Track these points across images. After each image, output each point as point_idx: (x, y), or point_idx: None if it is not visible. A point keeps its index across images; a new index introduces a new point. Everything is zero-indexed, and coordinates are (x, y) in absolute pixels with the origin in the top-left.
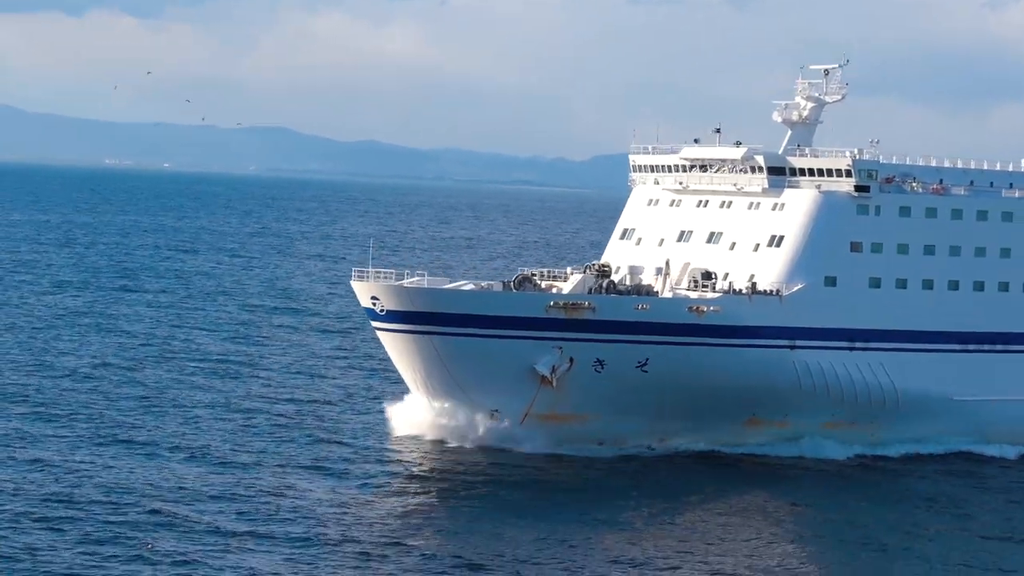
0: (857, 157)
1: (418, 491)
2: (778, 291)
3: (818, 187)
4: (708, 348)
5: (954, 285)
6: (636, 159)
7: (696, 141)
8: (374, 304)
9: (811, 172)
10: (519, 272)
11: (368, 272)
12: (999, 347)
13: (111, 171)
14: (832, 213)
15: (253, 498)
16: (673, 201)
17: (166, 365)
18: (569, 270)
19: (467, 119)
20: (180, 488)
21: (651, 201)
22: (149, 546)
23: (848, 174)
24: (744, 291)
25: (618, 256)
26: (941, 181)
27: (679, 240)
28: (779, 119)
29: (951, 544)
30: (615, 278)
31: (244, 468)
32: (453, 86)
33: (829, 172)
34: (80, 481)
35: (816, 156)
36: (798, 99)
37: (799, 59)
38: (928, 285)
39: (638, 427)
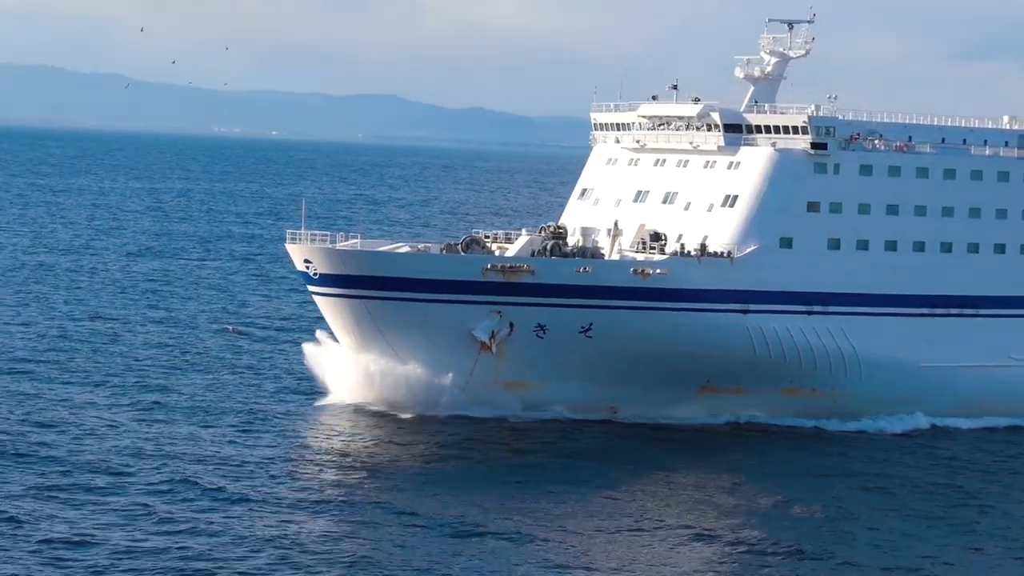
0: (813, 113)
1: (411, 457)
2: (729, 253)
3: (773, 145)
4: (655, 312)
5: (920, 246)
6: (596, 117)
7: (654, 98)
8: (307, 267)
9: (767, 129)
10: (468, 234)
11: (301, 234)
12: (969, 311)
13: (219, 139)
14: (787, 172)
15: (257, 463)
16: (631, 160)
17: (220, 332)
18: (524, 232)
19: (575, 86)
20: (184, 452)
21: (610, 160)
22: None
23: (804, 131)
24: (693, 253)
25: (576, 217)
26: (910, 138)
27: (635, 200)
28: (741, 75)
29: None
30: (571, 240)
31: (256, 433)
32: (561, 53)
33: (785, 129)
34: (90, 444)
35: (773, 112)
36: (761, 54)
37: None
38: (892, 246)
39: (586, 395)
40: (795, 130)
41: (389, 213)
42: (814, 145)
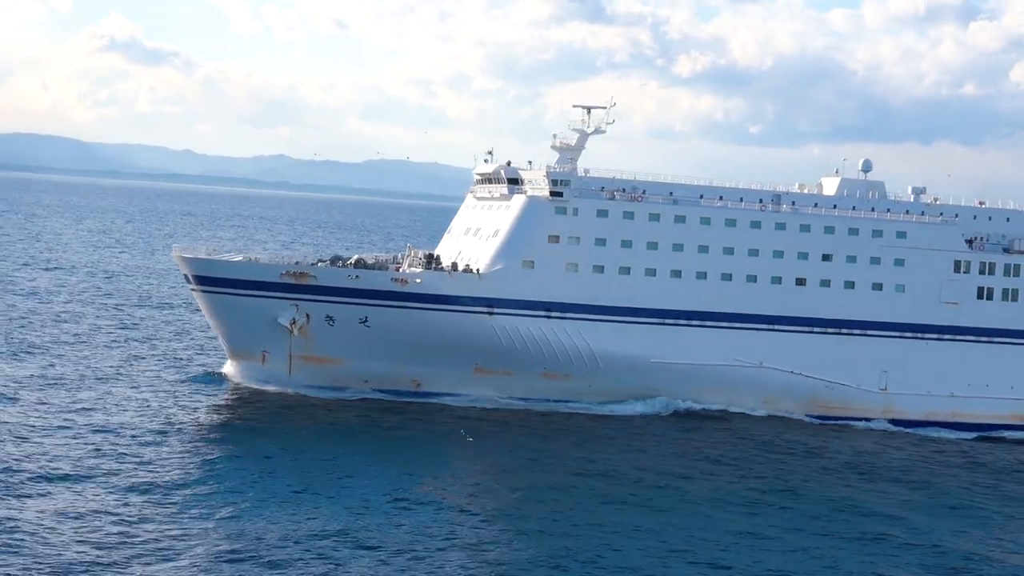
0: (551, 170)
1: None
2: (477, 270)
3: (525, 192)
4: (413, 310)
5: (651, 272)
6: (473, 175)
7: (485, 161)
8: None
9: (529, 182)
10: (355, 256)
11: (183, 247)
12: (695, 322)
13: None
14: (532, 212)
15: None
16: (474, 206)
17: None
18: (359, 255)
19: None
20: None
21: (467, 206)
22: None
23: (544, 183)
24: (445, 268)
25: (443, 246)
26: (644, 192)
27: (464, 234)
28: (550, 146)
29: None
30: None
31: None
32: None
33: (536, 181)
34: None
35: (528, 170)
36: (566, 129)
37: None
38: (625, 271)
39: (388, 370)
40: (542, 182)
41: None
42: (552, 193)
